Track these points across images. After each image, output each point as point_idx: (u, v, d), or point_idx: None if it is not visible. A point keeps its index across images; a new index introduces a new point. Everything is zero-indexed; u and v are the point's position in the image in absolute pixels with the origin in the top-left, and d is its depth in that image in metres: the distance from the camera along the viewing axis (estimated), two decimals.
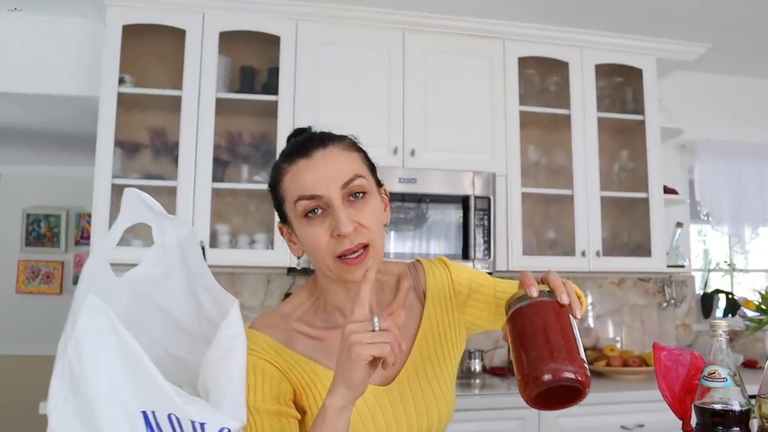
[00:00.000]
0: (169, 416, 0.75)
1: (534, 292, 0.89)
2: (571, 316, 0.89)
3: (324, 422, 0.88)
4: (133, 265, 0.99)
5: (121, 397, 0.76)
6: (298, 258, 1.10)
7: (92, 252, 0.88)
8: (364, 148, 1.11)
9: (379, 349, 0.86)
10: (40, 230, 4.98)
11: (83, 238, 4.99)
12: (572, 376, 0.82)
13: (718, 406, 1.09)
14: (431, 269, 1.21)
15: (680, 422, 1.20)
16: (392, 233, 2.79)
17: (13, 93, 3.10)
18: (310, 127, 1.13)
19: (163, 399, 0.75)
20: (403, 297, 1.17)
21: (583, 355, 0.86)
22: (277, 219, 1.21)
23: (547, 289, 0.90)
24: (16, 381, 4.69)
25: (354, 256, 1.00)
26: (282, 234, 1.11)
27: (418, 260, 1.24)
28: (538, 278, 0.93)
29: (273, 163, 1.11)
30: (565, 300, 0.88)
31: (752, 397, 1.12)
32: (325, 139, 1.05)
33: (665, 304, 3.48)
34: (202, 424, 0.74)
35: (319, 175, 1.01)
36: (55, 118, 3.68)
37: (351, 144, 1.08)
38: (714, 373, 1.10)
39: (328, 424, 0.88)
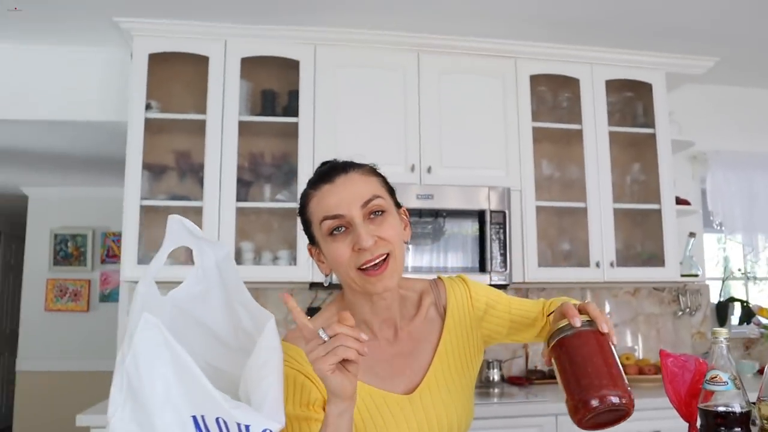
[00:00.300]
0: (217, 419, 0.84)
1: (577, 322, 0.98)
2: (610, 343, 0.99)
3: (327, 427, 0.99)
4: (173, 283, 1.09)
5: (174, 404, 0.85)
6: (326, 276, 1.19)
7: (144, 275, 0.97)
8: (383, 174, 1.21)
9: (334, 355, 0.93)
10: (68, 249, 5.13)
11: (109, 256, 5.13)
12: (619, 401, 0.92)
13: (720, 408, 1.16)
14: (452, 286, 1.31)
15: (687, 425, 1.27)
16: (411, 247, 2.88)
17: (44, 120, 3.25)
18: (335, 159, 1.23)
19: (212, 404, 0.84)
20: (424, 312, 1.27)
21: (625, 378, 0.96)
22: (302, 238, 1.29)
23: (587, 318, 1.00)
24: (47, 397, 4.82)
25: (375, 266, 1.09)
26: (311, 254, 1.21)
27: (439, 278, 1.34)
28: (577, 308, 1.02)
29: (301, 191, 1.21)
30: (605, 329, 0.99)
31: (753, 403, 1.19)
32: (347, 166, 1.16)
33: (680, 313, 3.53)
34: (247, 426, 0.83)
35: (341, 197, 1.11)
36: (83, 143, 3.82)
37: (370, 170, 1.19)
38: (716, 377, 1.17)
39: (330, 428, 0.98)
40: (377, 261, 1.09)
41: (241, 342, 1.07)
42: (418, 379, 1.20)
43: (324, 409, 1.10)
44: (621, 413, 0.95)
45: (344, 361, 0.94)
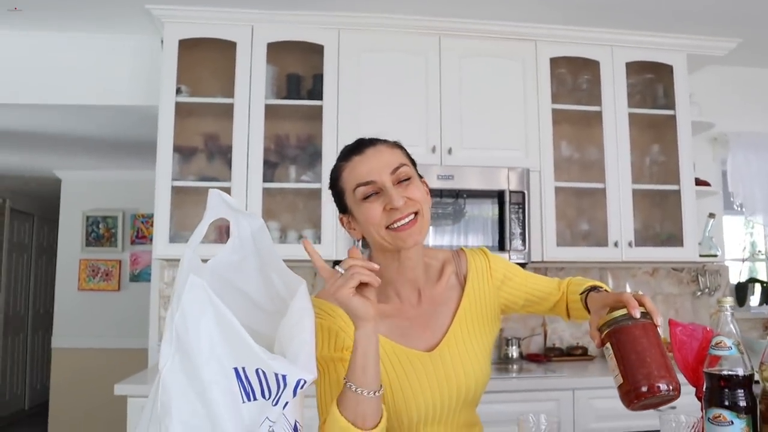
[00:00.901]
0: (256, 371, 0.93)
1: (638, 314, 1.09)
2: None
3: (357, 351, 1.09)
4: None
5: (218, 356, 0.94)
6: (358, 241, 1.31)
7: (189, 243, 1.06)
8: (406, 148, 1.32)
9: (351, 279, 1.05)
10: (99, 231, 5.29)
11: (138, 237, 5.28)
12: (671, 391, 1.03)
13: (724, 372, 1.23)
14: (473, 257, 1.42)
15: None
16: (432, 228, 2.96)
17: (76, 105, 3.36)
18: (362, 137, 1.33)
19: (252, 356, 0.93)
20: (446, 279, 1.38)
21: (674, 368, 1.08)
22: (326, 217, 1.36)
23: (644, 310, 1.10)
24: (81, 372, 5.01)
25: (405, 222, 1.21)
26: (342, 223, 1.32)
27: (462, 249, 1.44)
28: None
29: (327, 171, 1.32)
30: (659, 322, 1.10)
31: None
32: (374, 139, 1.28)
33: (699, 293, 3.57)
34: (284, 376, 0.92)
35: (372, 165, 1.23)
36: (114, 127, 3.94)
37: (395, 144, 1.30)
38: (720, 342, 1.25)
39: (360, 351, 1.09)
40: (407, 219, 1.21)
41: (276, 306, 1.16)
42: (438, 339, 1.30)
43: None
44: (668, 399, 1.06)
45: (362, 287, 1.07)
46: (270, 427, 0.92)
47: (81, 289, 5.23)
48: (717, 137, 3.67)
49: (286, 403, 0.92)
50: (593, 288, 1.32)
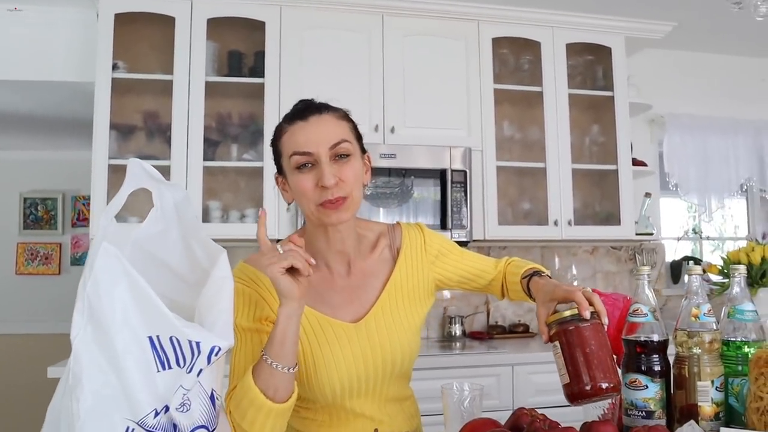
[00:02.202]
0: (170, 338, 0.92)
1: (588, 314, 1.12)
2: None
3: (278, 326, 1.09)
4: None
5: (131, 325, 0.93)
6: (289, 203, 1.30)
7: (98, 213, 1.04)
8: (354, 121, 1.29)
9: (284, 260, 1.07)
10: (38, 213, 5.13)
11: (79, 220, 5.14)
12: (614, 390, 1.09)
13: (641, 338, 1.27)
14: (408, 231, 1.42)
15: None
16: (375, 206, 2.96)
17: (10, 80, 3.23)
18: (312, 99, 1.30)
19: (166, 324, 0.92)
20: (379, 251, 1.38)
21: (616, 366, 1.13)
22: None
23: (593, 309, 1.14)
24: (20, 358, 4.86)
25: (331, 202, 1.19)
26: (277, 183, 1.30)
27: (398, 223, 1.44)
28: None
29: (267, 145, 1.31)
30: (606, 321, 1.14)
31: None
32: (322, 107, 1.24)
33: (636, 271, 3.66)
34: (197, 343, 0.91)
35: (312, 136, 1.19)
36: (51, 104, 3.81)
37: (343, 115, 1.27)
38: (637, 309, 1.29)
39: (280, 327, 1.09)
40: (335, 200, 1.19)
41: (198, 276, 1.15)
42: (366, 310, 1.30)
43: (271, 323, 1.20)
44: (608, 396, 1.12)
45: (293, 271, 1.08)
46: (184, 394, 0.91)
47: (19, 273, 5.07)
48: (654, 119, 3.77)
49: (200, 370, 0.91)
50: (535, 272, 1.33)
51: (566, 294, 1.17)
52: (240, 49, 3.14)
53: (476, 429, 1.08)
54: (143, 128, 3.12)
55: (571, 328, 1.12)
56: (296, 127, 1.21)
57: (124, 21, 2.94)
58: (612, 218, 3.35)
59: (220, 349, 0.92)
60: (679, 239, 3.93)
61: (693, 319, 1.27)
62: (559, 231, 3.21)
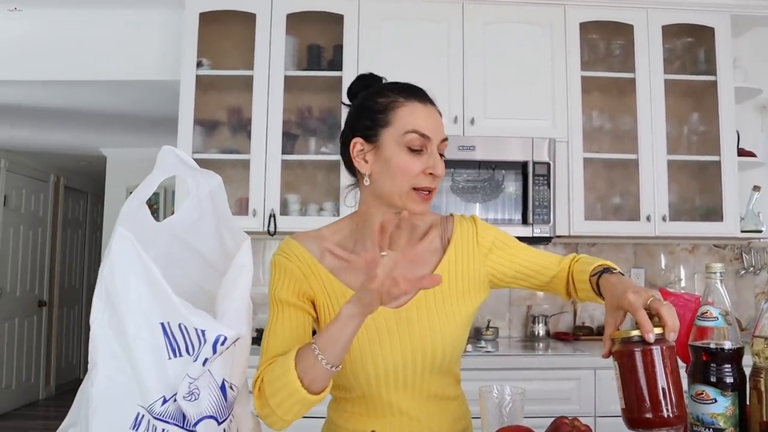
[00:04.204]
0: (179, 325, 0.91)
1: (651, 338, 0.98)
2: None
3: (336, 323, 1.05)
4: None
5: (144, 311, 0.92)
6: (365, 174, 1.23)
7: (130, 197, 1.04)
8: None
9: (387, 294, 1.01)
10: None
11: None
12: (676, 422, 0.97)
13: (711, 345, 1.13)
14: (460, 222, 1.35)
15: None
16: (454, 198, 2.88)
17: (109, 80, 3.43)
18: (382, 78, 1.31)
19: (175, 311, 0.91)
20: (428, 241, 1.32)
21: (683, 395, 1.00)
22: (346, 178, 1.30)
23: (660, 330, 1.00)
24: None
25: (427, 192, 1.20)
26: (352, 148, 1.23)
27: (452, 214, 1.38)
28: (649, 306, 1.02)
29: (375, 88, 1.27)
30: (673, 339, 1.00)
31: None
32: (430, 99, 1.26)
33: (743, 272, 3.37)
34: (203, 331, 0.89)
35: (434, 124, 1.21)
36: (148, 103, 4.01)
37: (439, 111, 1.27)
38: (706, 312, 1.14)
39: (338, 326, 1.05)
40: (431, 189, 1.20)
41: (226, 265, 1.13)
42: (408, 298, 1.23)
43: (310, 302, 1.23)
44: (669, 426, 0.99)
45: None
46: (191, 383, 0.89)
47: None
48: (765, 105, 3.43)
49: (206, 359, 0.89)
50: (606, 269, 1.21)
51: (630, 308, 1.03)
52: (319, 43, 3.15)
53: None
54: (226, 123, 3.20)
55: (634, 349, 0.99)
56: (416, 107, 1.20)
57: (207, 20, 3.02)
58: (713, 214, 3.08)
59: (225, 338, 0.90)
60: None
61: None
62: (652, 227, 2.99)
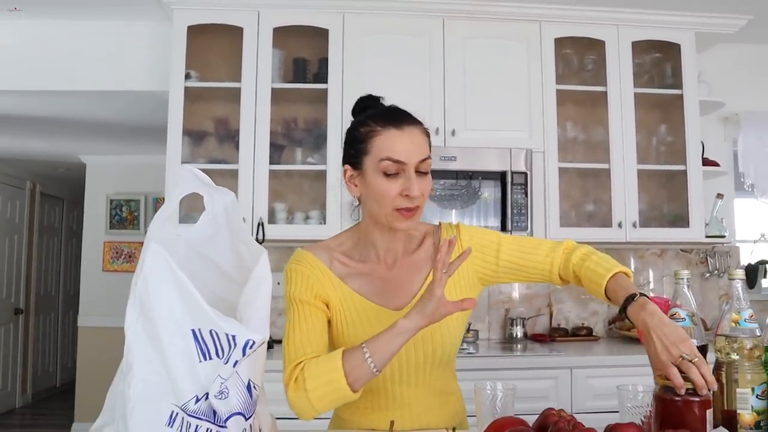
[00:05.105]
0: (210, 331, 1.00)
1: (682, 391, 1.11)
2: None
3: (390, 332, 1.22)
4: None
5: (176, 319, 1.01)
6: (355, 198, 1.39)
7: (156, 215, 1.14)
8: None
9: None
10: (122, 214, 5.45)
11: None
12: None
13: None
14: (445, 229, 1.49)
15: None
16: (436, 207, 3.00)
17: (95, 91, 3.48)
18: (380, 98, 1.41)
19: (206, 318, 1.00)
20: (424, 249, 1.46)
21: None
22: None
23: (691, 386, 1.10)
24: (104, 350, 5.18)
25: (408, 211, 1.30)
26: (345, 174, 1.38)
27: (440, 223, 1.51)
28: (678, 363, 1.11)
29: (359, 118, 1.37)
30: (704, 392, 1.10)
31: None
32: (412, 119, 1.34)
33: (708, 275, 3.55)
34: (233, 336, 0.99)
35: (408, 148, 1.29)
36: (132, 112, 4.05)
37: (426, 130, 1.37)
38: (675, 314, 1.28)
39: (392, 334, 1.22)
40: (413, 209, 1.31)
41: (243, 276, 1.22)
42: (408, 299, 1.39)
43: (325, 304, 1.36)
44: None
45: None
46: (222, 383, 0.99)
47: (105, 270, 5.40)
48: (728, 117, 3.63)
49: (236, 361, 0.99)
50: (631, 296, 1.25)
51: (663, 370, 1.13)
52: (304, 56, 3.25)
53: (502, 426, 1.11)
54: (213, 134, 3.28)
55: (664, 397, 1.14)
56: (391, 133, 1.29)
57: (195, 33, 3.10)
58: (680, 220, 3.25)
59: (254, 342, 1.00)
60: (755, 242, 3.76)
61: (733, 324, 1.25)
62: (623, 233, 3.15)
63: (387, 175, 1.28)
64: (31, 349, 6.45)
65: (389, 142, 1.29)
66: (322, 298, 1.36)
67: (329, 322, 1.38)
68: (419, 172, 1.30)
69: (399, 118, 1.32)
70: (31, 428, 5.67)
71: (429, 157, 1.32)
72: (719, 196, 3.33)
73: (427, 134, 1.35)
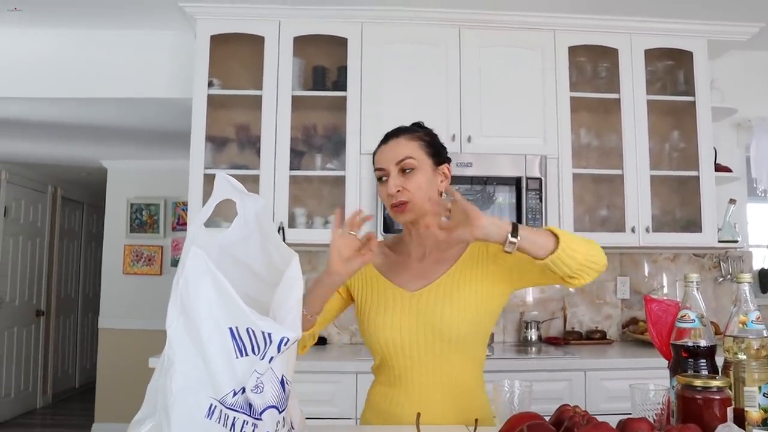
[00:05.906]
0: (247, 329, 1.08)
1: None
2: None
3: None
4: None
5: (215, 317, 1.09)
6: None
7: (192, 219, 1.22)
8: (429, 137, 1.56)
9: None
10: (142, 218, 5.56)
11: (179, 224, 5.53)
12: None
13: (688, 343, 1.33)
14: None
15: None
16: None
17: (119, 98, 3.58)
18: (402, 125, 1.60)
19: (243, 317, 1.08)
20: (458, 249, 1.58)
21: None
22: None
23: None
24: (124, 351, 5.29)
25: (398, 206, 1.49)
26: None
27: None
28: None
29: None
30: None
31: None
32: (399, 131, 1.56)
33: (721, 279, 3.58)
34: (269, 334, 1.06)
35: (386, 155, 1.53)
36: (154, 118, 4.15)
37: (416, 135, 1.54)
38: (684, 315, 1.34)
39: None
40: (398, 204, 1.49)
41: (274, 277, 1.30)
42: (426, 283, 1.54)
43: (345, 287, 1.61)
44: None
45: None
46: (258, 378, 1.06)
47: (126, 273, 5.51)
48: (741, 123, 3.66)
49: (272, 357, 1.06)
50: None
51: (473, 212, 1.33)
52: (324, 65, 3.33)
53: (521, 420, 1.17)
54: (235, 140, 3.37)
55: (686, 395, 1.20)
56: (380, 149, 1.56)
57: (218, 41, 3.19)
58: (693, 225, 3.30)
59: (288, 339, 1.07)
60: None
61: (740, 325, 1.30)
62: (636, 238, 3.20)
63: (380, 181, 1.53)
64: (51, 351, 6.57)
65: (377, 156, 1.55)
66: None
67: (356, 300, 1.61)
68: (404, 171, 1.49)
69: (389, 134, 1.56)
70: (51, 428, 5.78)
71: (408, 157, 1.50)
72: (732, 201, 3.37)
73: (418, 138, 1.53)
